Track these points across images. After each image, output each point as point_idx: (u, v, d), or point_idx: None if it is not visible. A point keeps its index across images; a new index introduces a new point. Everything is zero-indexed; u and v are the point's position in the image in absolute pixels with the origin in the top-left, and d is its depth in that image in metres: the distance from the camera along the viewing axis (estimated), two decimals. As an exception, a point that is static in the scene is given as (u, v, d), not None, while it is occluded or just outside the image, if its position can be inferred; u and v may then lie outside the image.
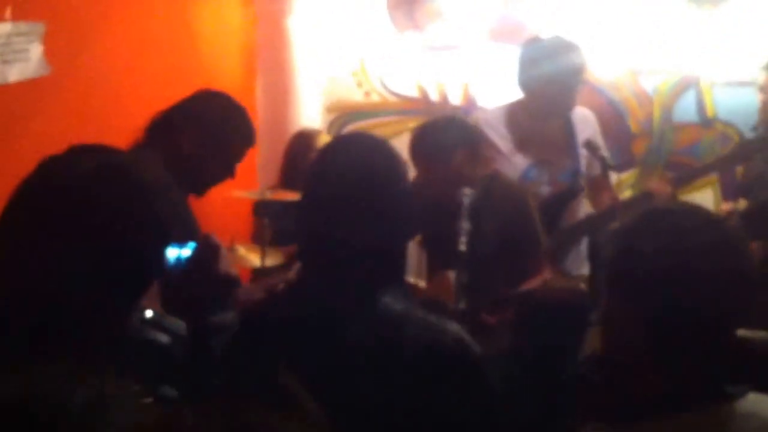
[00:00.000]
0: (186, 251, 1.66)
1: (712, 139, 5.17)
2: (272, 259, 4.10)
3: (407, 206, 2.05)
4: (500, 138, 4.10)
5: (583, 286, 3.50)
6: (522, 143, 4.08)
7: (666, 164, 5.24)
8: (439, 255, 3.61)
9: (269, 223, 4.26)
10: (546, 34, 4.21)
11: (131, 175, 1.52)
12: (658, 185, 4.18)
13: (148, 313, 1.75)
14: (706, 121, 5.18)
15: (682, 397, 1.63)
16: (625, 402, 1.70)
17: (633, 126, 5.28)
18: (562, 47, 4.04)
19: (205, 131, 3.01)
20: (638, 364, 1.67)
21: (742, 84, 4.95)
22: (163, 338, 1.75)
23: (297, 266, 3.07)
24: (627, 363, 1.69)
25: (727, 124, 5.13)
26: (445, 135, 3.51)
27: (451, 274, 3.29)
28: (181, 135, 2.98)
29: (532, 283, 3.45)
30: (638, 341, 1.65)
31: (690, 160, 5.20)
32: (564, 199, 4.10)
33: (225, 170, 3.09)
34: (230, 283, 1.83)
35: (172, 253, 1.62)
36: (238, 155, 3.11)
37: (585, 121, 4.19)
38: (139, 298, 1.52)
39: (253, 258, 4.12)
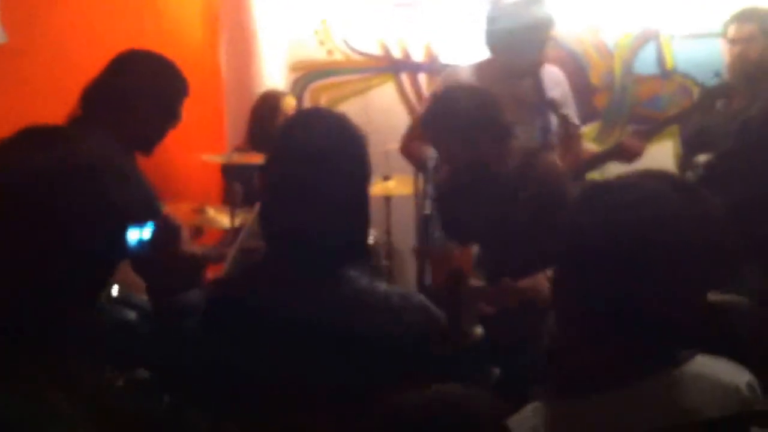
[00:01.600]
0: (146, 232, 1.67)
1: (672, 90, 5.24)
2: (242, 220, 4.13)
3: (364, 181, 2.08)
4: None
5: None
6: None
7: (628, 117, 5.30)
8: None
9: (239, 184, 4.29)
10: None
11: (85, 159, 1.53)
12: (629, 139, 4.22)
13: (115, 291, 1.78)
14: (666, 74, 5.25)
15: (629, 368, 1.66)
16: (576, 375, 1.74)
17: (594, 80, 5.33)
18: (529, 4, 4.03)
19: (146, 92, 3.06)
20: (585, 337, 1.71)
21: (701, 36, 5.01)
22: (130, 315, 1.77)
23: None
24: (575, 336, 1.72)
25: (686, 76, 5.20)
26: (462, 107, 3.37)
27: (473, 248, 3.25)
28: (123, 101, 3.02)
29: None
30: (584, 315, 1.69)
31: (651, 112, 5.26)
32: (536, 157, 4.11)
33: (170, 126, 3.15)
34: (193, 262, 1.85)
35: (133, 235, 1.63)
36: (178, 108, 3.16)
37: (554, 79, 4.20)
38: (103, 282, 1.54)
39: (223, 219, 4.16)
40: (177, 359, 1.80)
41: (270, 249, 2.06)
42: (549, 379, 1.75)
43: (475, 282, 3.17)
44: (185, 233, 1.83)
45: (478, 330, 2.18)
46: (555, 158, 3.60)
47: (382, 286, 2.04)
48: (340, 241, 2.00)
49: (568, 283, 1.71)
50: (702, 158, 4.25)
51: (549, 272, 3.23)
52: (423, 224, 3.24)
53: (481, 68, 4.16)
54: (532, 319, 3.18)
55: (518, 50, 3.99)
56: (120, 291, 1.82)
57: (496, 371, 2.35)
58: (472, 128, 3.28)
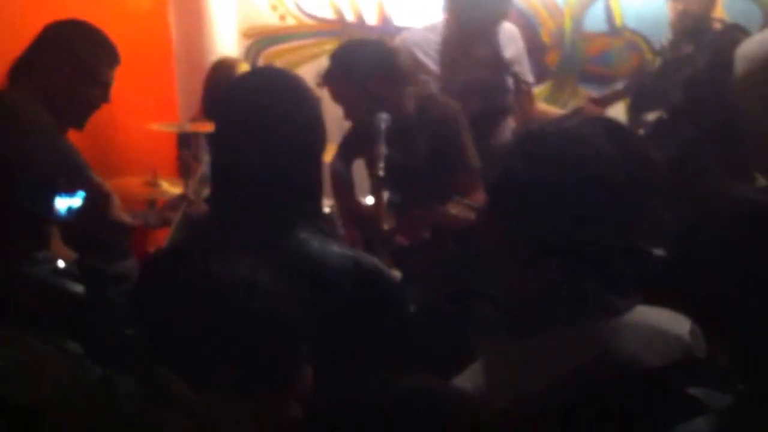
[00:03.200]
0: (76, 200, 1.65)
1: (621, 47, 5.28)
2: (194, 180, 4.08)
3: (315, 137, 2.08)
4: (429, 58, 4.13)
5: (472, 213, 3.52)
6: (451, 63, 4.11)
7: (578, 74, 5.33)
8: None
9: (193, 155, 4.26)
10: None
11: (11, 118, 1.53)
12: (588, 105, 4.28)
13: (61, 263, 1.78)
14: (615, 30, 5.29)
15: (564, 312, 1.69)
16: (513, 318, 1.77)
17: (545, 38, 5.35)
18: None
19: (68, 61, 3.05)
20: (519, 279, 1.74)
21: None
22: (77, 288, 1.77)
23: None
24: (511, 279, 1.75)
25: (635, 33, 5.23)
26: (358, 60, 3.52)
27: (384, 194, 3.37)
28: (47, 72, 3.01)
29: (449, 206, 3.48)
30: (518, 259, 1.72)
31: (601, 68, 5.30)
32: (492, 117, 4.15)
33: (98, 96, 3.13)
34: (123, 231, 1.85)
35: (62, 203, 1.62)
36: (107, 77, 3.14)
37: (510, 38, 4.24)
38: (30, 247, 1.53)
39: (178, 191, 4.11)
40: (107, 330, 1.80)
41: (216, 211, 2.06)
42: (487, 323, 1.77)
43: (388, 223, 3.30)
44: (114, 201, 1.82)
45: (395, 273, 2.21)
46: (452, 102, 3.71)
47: (334, 247, 2.05)
48: (290, 204, 2.00)
49: (503, 226, 1.74)
50: (651, 116, 4.29)
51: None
52: (377, 186, 3.30)
53: (435, 29, 4.18)
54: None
55: (476, 8, 4.01)
56: (66, 263, 1.81)
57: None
58: (369, 79, 3.41)
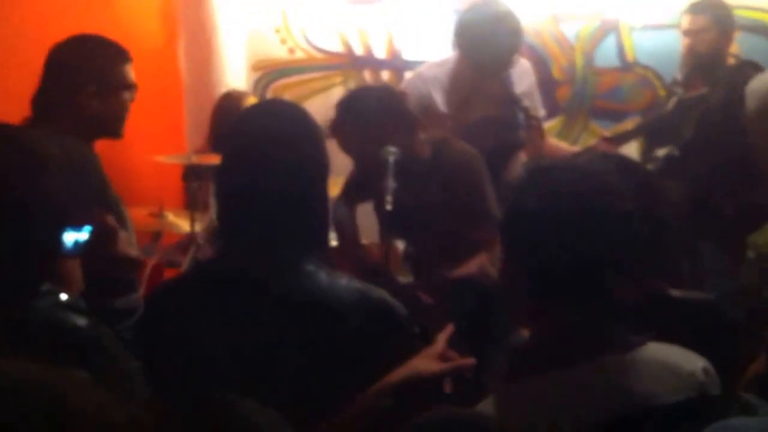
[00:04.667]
0: (83, 235, 1.63)
1: (632, 82, 5.25)
2: (202, 225, 4.08)
3: (320, 168, 2.06)
4: (440, 94, 4.10)
5: None
6: (462, 99, 4.09)
7: (589, 109, 5.31)
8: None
9: (199, 187, 4.24)
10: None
11: (28, 156, 1.51)
12: (601, 144, 4.26)
13: (63, 296, 1.74)
14: (627, 65, 5.25)
15: (577, 348, 1.67)
16: (526, 356, 1.75)
17: (556, 73, 5.32)
18: (501, 14, 4.02)
19: (90, 77, 2.99)
20: (533, 317, 1.71)
21: (660, 27, 5.03)
22: (81, 321, 1.74)
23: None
24: (524, 317, 1.73)
25: (647, 68, 5.20)
26: (365, 108, 3.45)
27: (399, 244, 3.32)
28: (74, 95, 2.97)
29: (473, 263, 3.41)
30: (531, 296, 1.69)
31: (612, 103, 5.27)
32: (503, 152, 4.12)
33: (128, 97, 3.08)
34: (130, 265, 1.82)
35: (70, 237, 1.59)
36: (128, 76, 3.07)
37: (522, 72, 4.22)
38: (37, 280, 1.51)
39: (183, 224, 4.09)
40: (118, 364, 1.76)
41: (223, 243, 2.03)
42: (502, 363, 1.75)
43: (404, 276, 3.24)
44: (123, 235, 1.80)
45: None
46: (465, 145, 3.61)
47: (341, 280, 2.01)
48: (296, 236, 1.97)
49: (515, 262, 1.72)
50: (662, 151, 4.27)
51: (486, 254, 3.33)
52: (386, 221, 3.26)
53: (451, 66, 4.15)
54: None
55: (489, 51, 3.99)
56: (69, 297, 1.78)
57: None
58: (378, 125, 3.32)
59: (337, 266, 3.27)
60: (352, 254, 3.53)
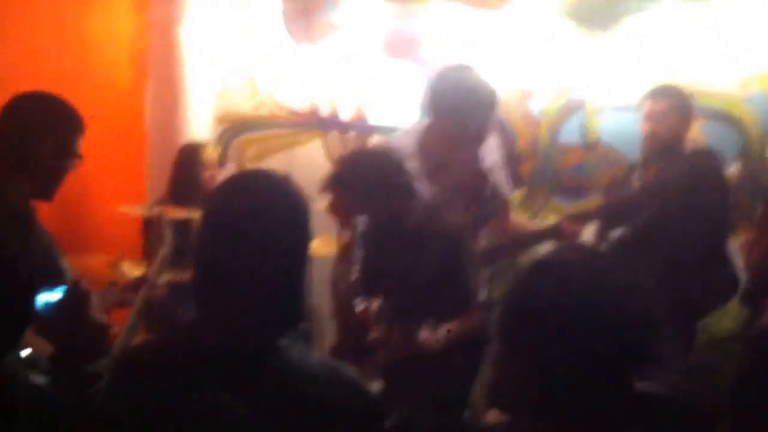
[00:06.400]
0: (55, 296, 1.59)
1: (595, 161, 5.31)
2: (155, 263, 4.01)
3: (304, 246, 2.03)
4: (413, 161, 4.07)
5: None
6: (433, 170, 4.06)
7: (553, 185, 5.35)
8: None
9: (159, 239, 4.19)
10: (456, 63, 4.19)
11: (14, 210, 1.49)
12: (568, 222, 4.27)
13: (24, 353, 1.70)
14: (591, 144, 5.32)
15: None
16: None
17: (521, 147, 5.37)
18: (476, 82, 4.01)
19: (47, 136, 2.98)
20: (530, 413, 1.70)
21: (625, 109, 5.10)
22: (40, 379, 1.69)
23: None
24: (518, 413, 1.72)
25: (610, 148, 5.27)
26: (365, 170, 3.46)
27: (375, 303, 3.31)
28: (26, 148, 2.94)
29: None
30: (528, 391, 1.68)
31: (576, 180, 5.33)
32: (471, 225, 4.11)
33: (71, 166, 3.07)
34: (101, 331, 1.78)
35: (41, 298, 1.56)
36: (78, 147, 3.07)
37: (490, 146, 4.21)
38: (10, 343, 1.47)
39: (139, 274, 4.02)
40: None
41: (198, 309, 1.98)
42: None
43: (375, 334, 3.23)
44: (95, 300, 1.76)
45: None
46: (458, 219, 3.65)
47: (313, 356, 1.99)
48: (271, 311, 1.94)
49: (512, 360, 1.70)
50: (617, 233, 4.32)
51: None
52: (351, 290, 3.25)
53: (423, 134, 4.09)
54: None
55: (464, 120, 3.96)
56: (31, 353, 1.73)
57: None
58: (375, 190, 3.37)
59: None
60: (344, 314, 3.51)
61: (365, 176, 3.43)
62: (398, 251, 3.30)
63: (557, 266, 1.74)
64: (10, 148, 2.93)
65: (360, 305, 3.35)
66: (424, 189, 3.81)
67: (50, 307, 1.58)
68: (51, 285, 1.58)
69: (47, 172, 2.98)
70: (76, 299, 1.70)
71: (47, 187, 3.01)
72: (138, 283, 3.73)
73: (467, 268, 3.52)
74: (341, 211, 3.46)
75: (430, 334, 3.32)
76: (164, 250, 3.94)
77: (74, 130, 3.06)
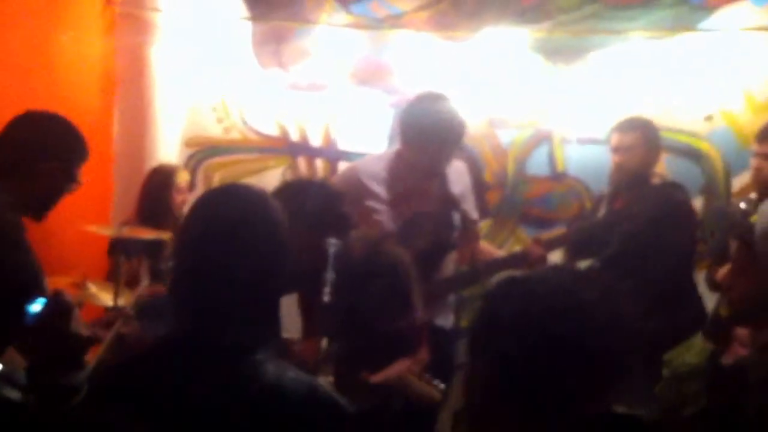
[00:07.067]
0: (36, 306, 1.58)
1: (562, 192, 5.37)
2: (125, 299, 3.98)
3: (282, 261, 2.03)
4: (380, 188, 4.09)
5: (438, 394, 3.46)
6: (399, 195, 4.09)
7: (519, 215, 5.40)
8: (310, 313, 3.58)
9: (126, 260, 4.17)
10: (426, 91, 4.23)
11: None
12: (534, 247, 4.30)
13: (-1, 367, 1.68)
14: (557, 176, 5.38)
15: None
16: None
17: (488, 177, 5.42)
18: (444, 112, 4.06)
19: (43, 153, 2.96)
20: (501, 427, 1.70)
21: (592, 142, 5.17)
22: (13, 394, 1.68)
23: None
24: (487, 424, 1.72)
25: (576, 179, 5.34)
26: (302, 203, 3.46)
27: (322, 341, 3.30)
28: (19, 163, 2.92)
29: (395, 369, 3.39)
30: (500, 404, 1.69)
31: (542, 211, 5.38)
32: (437, 252, 4.14)
33: (66, 188, 3.05)
34: (81, 344, 1.77)
35: (26, 311, 1.54)
36: (77, 171, 3.06)
37: (458, 174, 4.24)
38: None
39: (105, 297, 3.99)
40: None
41: (176, 326, 1.98)
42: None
43: (324, 370, 3.22)
44: (77, 313, 1.75)
45: None
46: (396, 248, 3.61)
47: (289, 372, 1.98)
48: (248, 326, 1.94)
49: (484, 375, 1.71)
50: (584, 263, 4.34)
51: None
52: (324, 313, 3.24)
53: (391, 160, 4.13)
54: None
55: (431, 153, 4.01)
56: (4, 368, 1.71)
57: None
58: (312, 223, 3.31)
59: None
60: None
61: (298, 207, 3.42)
62: (341, 286, 3.28)
63: (528, 280, 1.76)
64: (12, 162, 2.90)
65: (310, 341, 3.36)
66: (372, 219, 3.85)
67: (32, 317, 1.56)
68: (32, 295, 1.56)
69: (45, 192, 2.96)
70: (58, 310, 1.69)
71: (41, 207, 2.98)
72: (110, 319, 3.73)
73: (411, 297, 3.51)
74: None
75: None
76: (140, 288, 3.95)
77: (79, 157, 3.05)
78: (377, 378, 3.31)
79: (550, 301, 1.67)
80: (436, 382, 3.36)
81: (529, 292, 1.70)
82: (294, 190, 3.53)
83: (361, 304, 3.33)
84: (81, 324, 1.76)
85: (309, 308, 3.59)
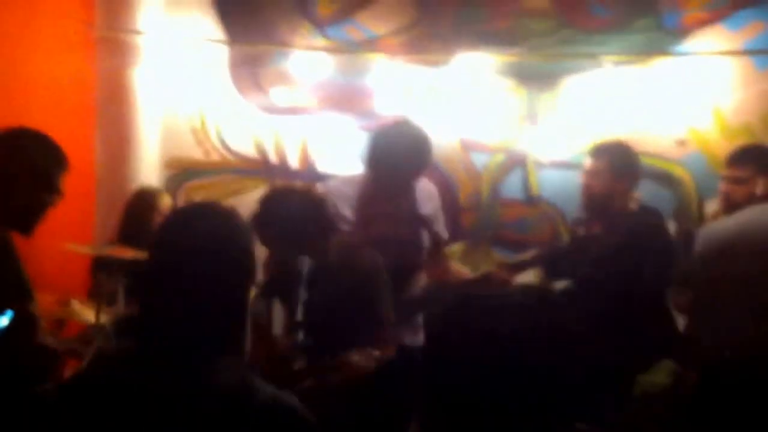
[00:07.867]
0: (3, 320, 1.61)
1: (536, 216, 5.45)
2: (108, 317, 4.02)
3: (246, 276, 2.10)
4: (348, 209, 4.18)
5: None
6: (368, 215, 4.17)
7: (492, 238, 5.47)
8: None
9: (108, 279, 4.20)
10: (395, 116, 4.33)
11: None
12: (498, 272, 4.37)
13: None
14: (531, 199, 5.46)
15: None
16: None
17: (462, 200, 5.50)
18: (411, 136, 4.15)
19: (29, 170, 3.02)
20: None
21: (566, 166, 5.24)
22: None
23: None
24: None
25: (550, 204, 5.42)
26: (287, 207, 3.57)
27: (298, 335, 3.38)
28: (6, 181, 2.98)
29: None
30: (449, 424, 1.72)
31: (516, 234, 5.45)
32: (405, 271, 4.21)
33: (52, 202, 3.11)
34: (48, 356, 1.79)
35: None
36: (57, 181, 3.12)
37: (428, 195, 4.32)
38: None
39: (88, 314, 4.03)
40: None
41: (142, 339, 2.02)
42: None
43: (298, 364, 3.31)
44: (43, 325, 1.78)
45: None
46: (376, 254, 3.73)
47: (254, 381, 2.03)
48: (212, 336, 1.99)
49: (437, 390, 1.72)
50: (560, 285, 4.40)
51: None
52: (294, 328, 3.31)
53: (360, 182, 4.24)
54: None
55: (394, 166, 4.11)
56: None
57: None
58: (298, 227, 3.48)
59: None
60: (263, 348, 3.56)
61: (283, 213, 3.52)
62: (318, 286, 3.38)
63: (482, 299, 1.78)
64: (11, 193, 2.97)
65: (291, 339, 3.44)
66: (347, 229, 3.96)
67: None
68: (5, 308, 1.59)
69: (27, 204, 3.02)
70: (23, 323, 1.71)
71: (27, 221, 3.04)
72: (90, 334, 3.76)
73: (382, 300, 3.63)
74: (267, 247, 3.56)
75: (347, 359, 3.39)
76: (118, 306, 3.99)
77: (56, 166, 3.11)
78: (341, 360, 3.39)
79: (500, 318, 1.68)
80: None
81: (482, 309, 1.71)
82: (280, 196, 3.65)
83: (333, 302, 3.43)
84: (48, 337, 1.79)
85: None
